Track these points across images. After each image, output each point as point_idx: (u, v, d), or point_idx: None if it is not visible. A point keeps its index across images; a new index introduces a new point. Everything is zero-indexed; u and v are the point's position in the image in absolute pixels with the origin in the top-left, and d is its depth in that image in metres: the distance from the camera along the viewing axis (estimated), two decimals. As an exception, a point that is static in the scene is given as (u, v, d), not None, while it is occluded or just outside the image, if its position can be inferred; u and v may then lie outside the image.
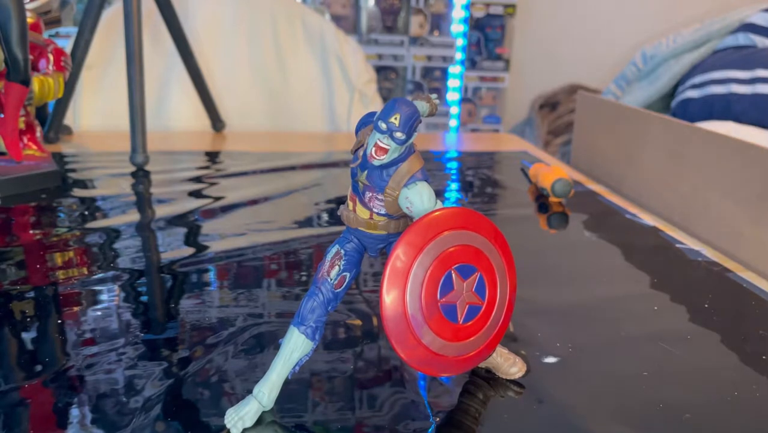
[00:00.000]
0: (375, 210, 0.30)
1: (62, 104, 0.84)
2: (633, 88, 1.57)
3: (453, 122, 2.18)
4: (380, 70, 2.05)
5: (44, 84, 0.66)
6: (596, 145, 0.83)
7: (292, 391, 0.33)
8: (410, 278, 0.28)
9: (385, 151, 0.28)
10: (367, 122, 0.32)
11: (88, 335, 0.37)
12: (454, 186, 0.75)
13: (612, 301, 0.45)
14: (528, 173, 0.75)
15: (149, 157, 0.74)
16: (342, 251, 0.32)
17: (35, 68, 0.67)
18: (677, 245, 0.56)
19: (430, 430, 0.30)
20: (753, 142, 0.56)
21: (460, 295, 0.29)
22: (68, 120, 0.89)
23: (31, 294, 0.42)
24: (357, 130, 0.32)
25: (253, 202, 0.64)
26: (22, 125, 0.67)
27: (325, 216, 0.61)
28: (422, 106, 0.30)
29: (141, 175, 0.71)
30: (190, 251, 0.51)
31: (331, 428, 0.30)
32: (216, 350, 0.36)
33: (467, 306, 0.30)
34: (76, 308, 0.41)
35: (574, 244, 0.57)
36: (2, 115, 0.63)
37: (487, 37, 2.14)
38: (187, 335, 0.38)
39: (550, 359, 0.37)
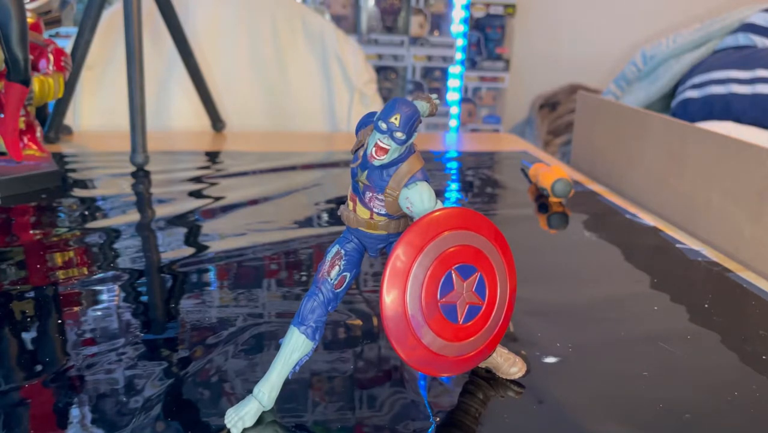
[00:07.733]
0: (375, 210, 0.30)
1: (62, 104, 0.84)
2: (633, 88, 1.57)
3: (453, 122, 2.18)
4: (380, 70, 2.05)
5: (44, 84, 0.66)
6: (596, 145, 0.83)
7: (292, 391, 0.33)
8: (410, 278, 0.28)
9: (386, 151, 0.29)
10: (367, 122, 0.32)
11: (88, 335, 0.37)
12: (454, 186, 0.75)
13: (612, 301, 0.45)
14: (528, 173, 0.75)
15: (149, 157, 0.74)
16: (342, 251, 0.32)
17: (35, 68, 0.67)
18: (677, 245, 0.56)
19: (430, 430, 0.30)
20: (752, 142, 0.56)
21: (460, 295, 0.29)
22: (68, 120, 0.89)
23: (31, 294, 0.42)
24: (357, 131, 0.32)
25: (253, 202, 0.64)
26: (22, 125, 0.67)
27: (325, 216, 0.61)
28: (422, 106, 0.30)
29: (141, 175, 0.71)
30: (190, 251, 0.51)
31: (331, 428, 0.30)
32: (216, 350, 0.36)
33: (467, 306, 0.30)
34: (76, 308, 0.41)
35: (574, 244, 0.57)
36: (2, 115, 0.63)
37: (487, 37, 2.14)
38: (187, 335, 0.38)
39: (550, 359, 0.37)
